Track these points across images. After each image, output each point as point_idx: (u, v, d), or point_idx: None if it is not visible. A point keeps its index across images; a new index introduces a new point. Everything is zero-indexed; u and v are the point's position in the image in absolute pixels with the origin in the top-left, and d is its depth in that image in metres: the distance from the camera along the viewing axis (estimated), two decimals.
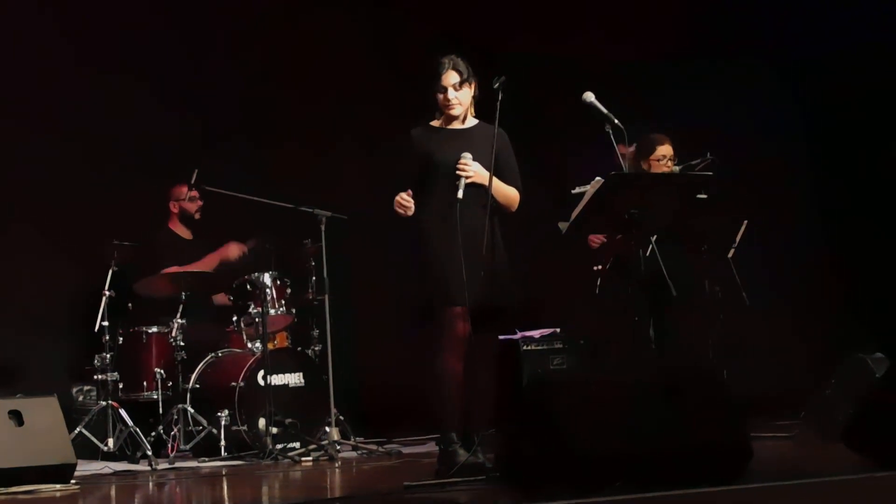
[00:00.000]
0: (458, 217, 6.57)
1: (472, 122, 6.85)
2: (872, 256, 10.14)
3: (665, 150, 8.27)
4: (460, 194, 6.60)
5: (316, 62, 9.92)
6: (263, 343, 8.71)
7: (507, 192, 6.78)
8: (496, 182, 6.70)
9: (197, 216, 9.40)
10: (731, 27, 10.37)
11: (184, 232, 9.44)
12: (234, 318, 9.06)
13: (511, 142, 6.84)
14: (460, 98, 6.74)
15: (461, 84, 6.72)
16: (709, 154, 8.20)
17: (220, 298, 9.39)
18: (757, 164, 10.03)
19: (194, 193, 9.30)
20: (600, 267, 8.33)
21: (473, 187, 6.65)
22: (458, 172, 6.64)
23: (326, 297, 8.60)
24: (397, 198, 6.64)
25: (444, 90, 6.73)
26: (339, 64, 9.97)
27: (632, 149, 8.04)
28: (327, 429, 8.52)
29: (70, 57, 9.21)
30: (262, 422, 8.54)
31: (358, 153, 9.76)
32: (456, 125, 6.82)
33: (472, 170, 6.65)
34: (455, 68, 6.72)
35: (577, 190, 7.85)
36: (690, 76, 10.09)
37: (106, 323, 8.65)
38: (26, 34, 9.16)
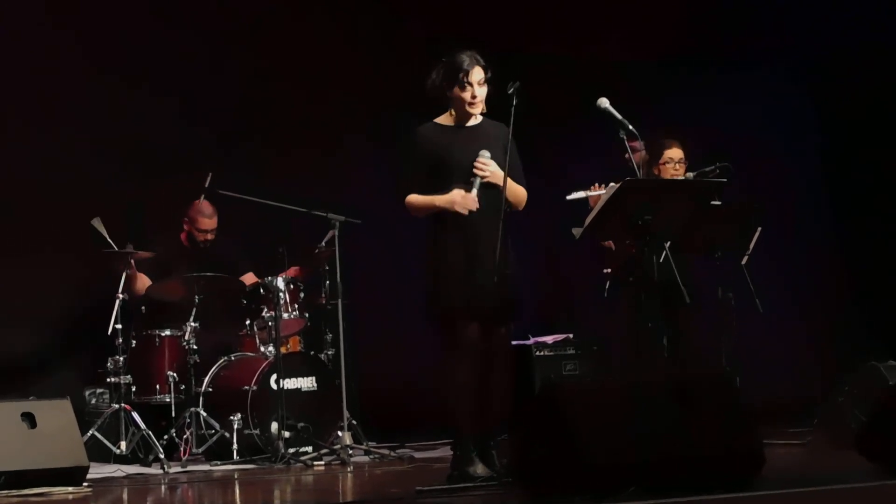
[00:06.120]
0: (474, 218, 6.44)
1: (478, 119, 6.65)
2: (886, 264, 10.13)
3: (673, 153, 8.16)
4: (474, 192, 6.45)
5: (324, 65, 9.89)
6: (276, 347, 8.71)
7: (518, 191, 6.62)
8: (508, 181, 6.52)
9: (202, 245, 9.16)
10: (740, 30, 10.33)
11: (194, 243, 9.36)
12: (248, 322, 9.07)
13: (520, 145, 6.65)
14: (482, 95, 6.55)
15: (484, 81, 6.53)
16: (713, 162, 8.16)
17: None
18: (769, 170, 10.01)
19: (209, 225, 9.14)
20: (610, 270, 8.30)
21: (488, 188, 6.49)
22: (475, 171, 6.47)
23: (340, 301, 8.59)
24: (470, 198, 6.46)
25: (471, 87, 6.50)
26: (347, 67, 9.95)
27: (640, 149, 7.96)
28: (339, 433, 8.50)
29: (82, 61, 9.23)
30: (274, 426, 8.53)
31: (370, 157, 9.74)
32: (467, 123, 6.62)
33: (490, 169, 6.48)
34: (479, 64, 6.51)
35: (572, 196, 7.81)
36: (696, 80, 10.06)
37: (119, 326, 8.65)
38: (41, 40, 9.17)
